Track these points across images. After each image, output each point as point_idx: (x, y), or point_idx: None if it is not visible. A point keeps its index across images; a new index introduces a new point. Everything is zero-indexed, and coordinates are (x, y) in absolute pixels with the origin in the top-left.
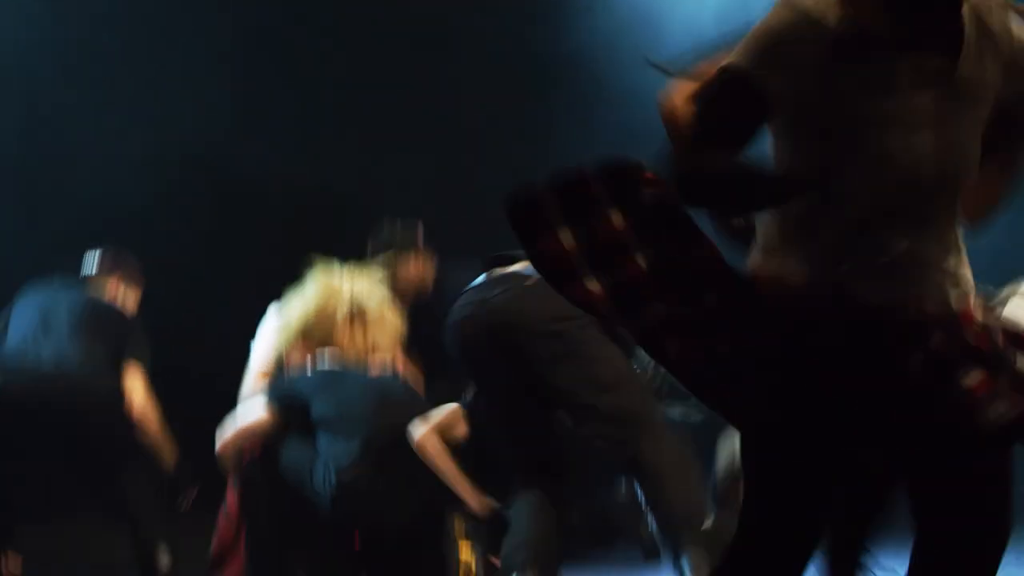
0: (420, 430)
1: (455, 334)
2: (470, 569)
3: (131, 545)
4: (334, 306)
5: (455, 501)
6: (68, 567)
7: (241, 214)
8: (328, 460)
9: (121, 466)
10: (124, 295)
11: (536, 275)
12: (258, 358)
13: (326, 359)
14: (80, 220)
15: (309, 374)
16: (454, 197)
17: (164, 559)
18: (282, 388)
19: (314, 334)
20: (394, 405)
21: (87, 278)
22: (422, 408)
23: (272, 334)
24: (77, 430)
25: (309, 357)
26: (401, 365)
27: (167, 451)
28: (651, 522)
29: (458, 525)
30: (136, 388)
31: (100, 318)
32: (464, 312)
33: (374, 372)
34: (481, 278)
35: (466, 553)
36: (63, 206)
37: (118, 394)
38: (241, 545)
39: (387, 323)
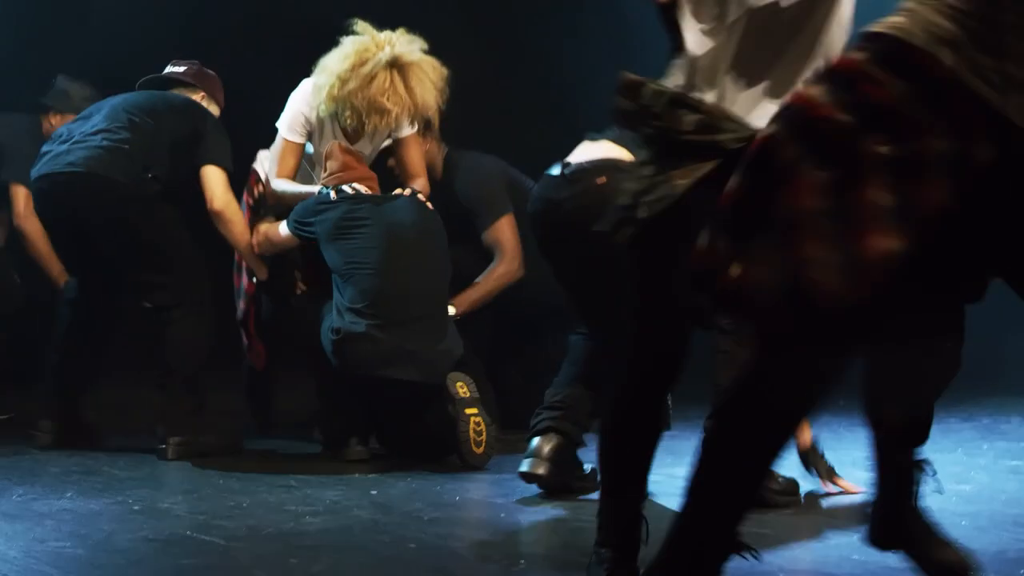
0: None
1: (531, 224)
2: (481, 431)
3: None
4: (373, 53)
5: (461, 364)
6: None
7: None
8: (334, 308)
9: (159, 284)
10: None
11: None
12: (287, 121)
13: (349, 190)
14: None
15: (328, 214)
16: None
17: (169, 451)
18: (302, 225)
19: (350, 84)
20: (405, 249)
21: (170, 79)
22: (437, 251)
23: (305, 93)
24: (101, 225)
25: (332, 185)
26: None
27: (253, 261)
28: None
29: (461, 388)
30: (212, 189)
31: (161, 107)
32: (536, 207)
33: (393, 203)
34: (556, 169)
35: (475, 417)
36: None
37: (147, 190)
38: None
39: (428, 75)
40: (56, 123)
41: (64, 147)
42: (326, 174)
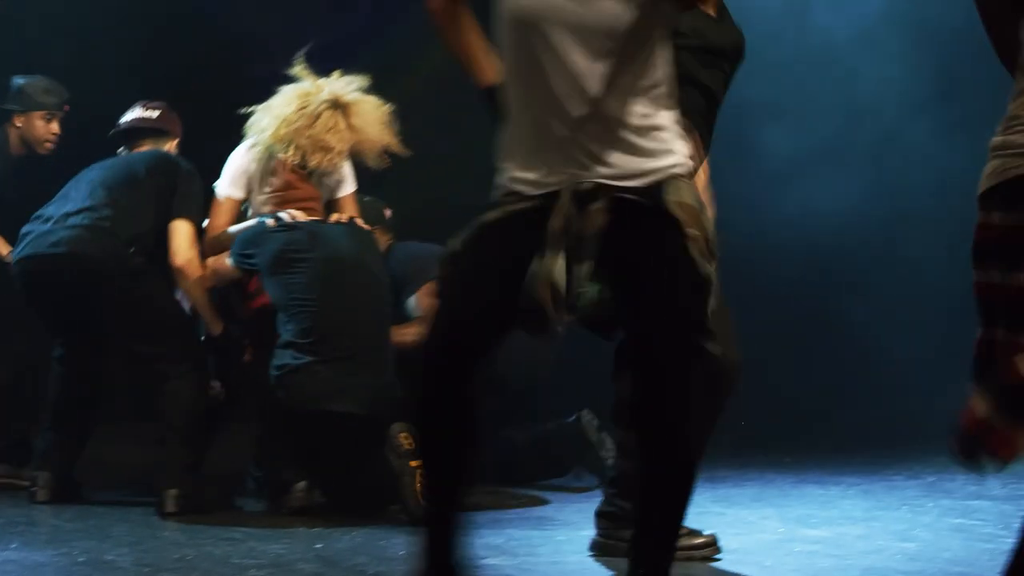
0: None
1: None
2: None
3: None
4: (315, 94)
5: (399, 408)
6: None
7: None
8: (278, 342)
9: (154, 347)
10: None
11: None
12: (229, 177)
13: (287, 218)
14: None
15: (268, 245)
16: None
17: (169, 503)
18: (244, 257)
19: (296, 124)
20: (345, 282)
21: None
22: (377, 281)
23: (245, 150)
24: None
25: (271, 211)
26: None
27: (208, 316)
28: (607, 455)
29: (406, 439)
30: (177, 244)
31: (140, 174)
32: None
33: (332, 232)
34: None
35: (420, 469)
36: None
37: (129, 262)
38: None
39: (372, 112)
40: (22, 125)
41: (47, 227)
42: (269, 190)
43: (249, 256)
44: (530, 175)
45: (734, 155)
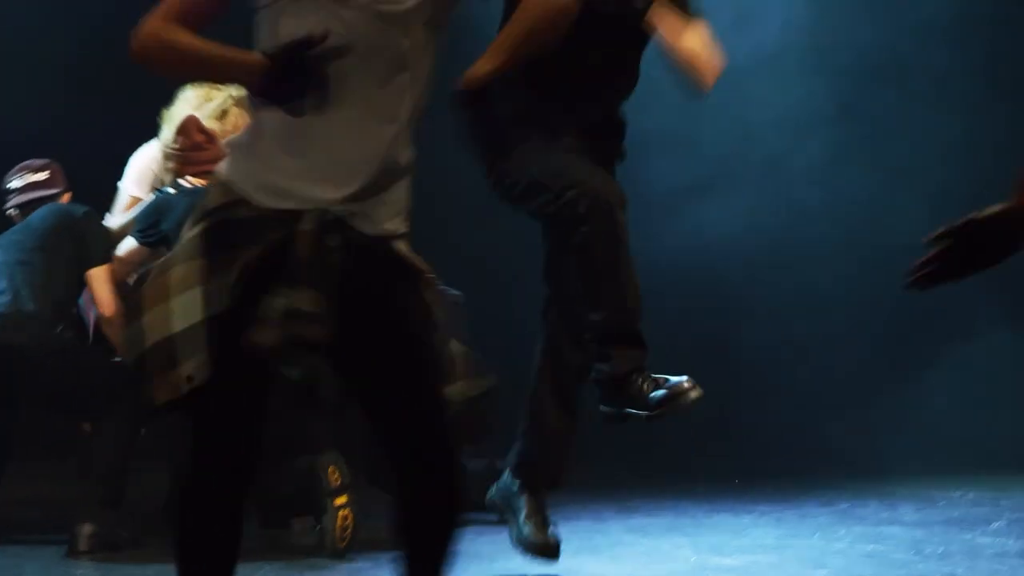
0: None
1: None
2: (348, 526)
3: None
4: (217, 91)
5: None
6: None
7: None
8: None
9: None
10: None
11: None
12: (135, 176)
13: (187, 184)
14: None
15: (173, 214)
16: None
17: (83, 541)
18: (146, 232)
19: (200, 113)
20: None
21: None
22: None
23: (151, 150)
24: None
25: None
26: None
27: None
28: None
29: (332, 474)
30: (100, 295)
31: (48, 239)
32: None
33: None
34: None
35: (343, 510)
36: None
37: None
38: None
39: None
40: None
41: None
42: (175, 147)
43: (154, 226)
44: (281, 187)
45: (626, 181)
